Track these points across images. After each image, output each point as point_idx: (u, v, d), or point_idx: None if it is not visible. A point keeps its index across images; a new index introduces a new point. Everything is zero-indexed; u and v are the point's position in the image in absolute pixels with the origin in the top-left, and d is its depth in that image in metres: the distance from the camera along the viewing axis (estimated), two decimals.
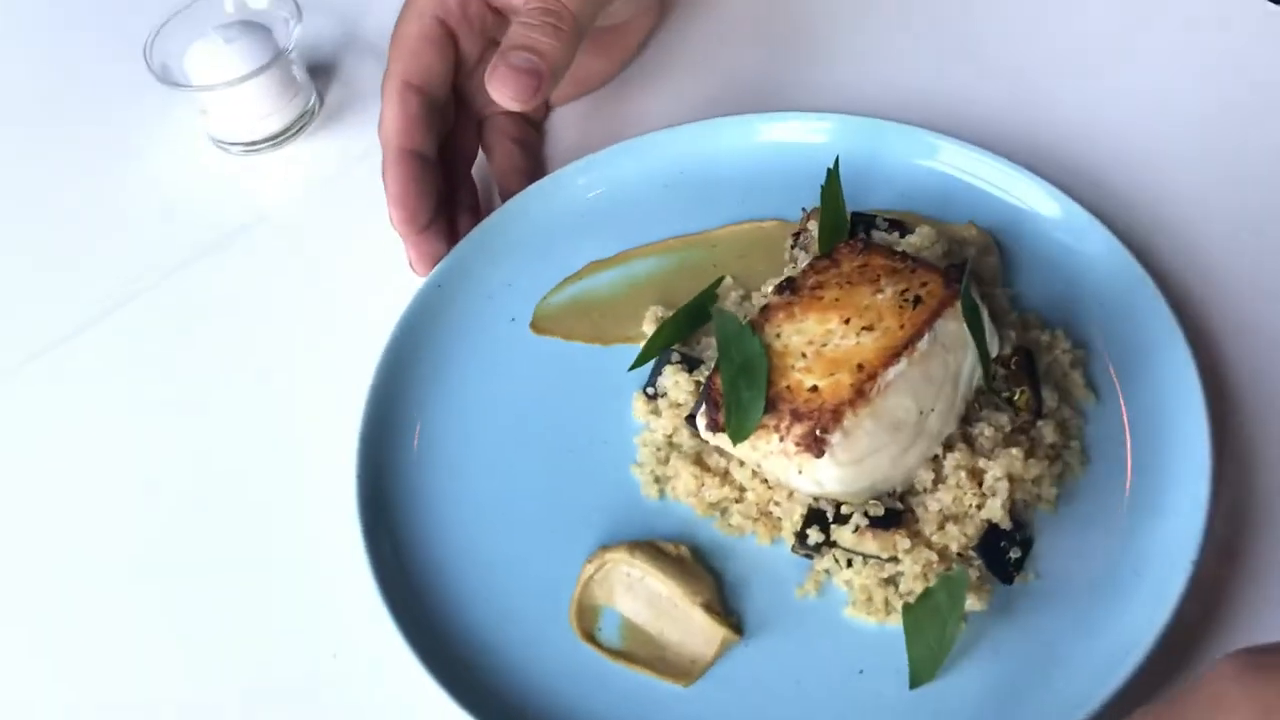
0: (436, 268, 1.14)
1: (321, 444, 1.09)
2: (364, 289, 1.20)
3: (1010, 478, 0.94)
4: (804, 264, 1.08)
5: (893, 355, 0.92)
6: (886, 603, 0.94)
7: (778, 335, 0.96)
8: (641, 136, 1.21)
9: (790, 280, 0.99)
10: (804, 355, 0.94)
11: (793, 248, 1.11)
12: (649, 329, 1.10)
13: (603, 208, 1.20)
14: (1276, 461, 0.99)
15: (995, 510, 0.94)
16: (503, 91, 1.05)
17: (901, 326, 0.93)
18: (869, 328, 0.94)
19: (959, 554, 0.94)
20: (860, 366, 0.92)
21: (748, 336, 0.96)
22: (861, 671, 0.93)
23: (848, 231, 1.06)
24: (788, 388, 0.93)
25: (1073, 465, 0.98)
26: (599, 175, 1.20)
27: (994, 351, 0.98)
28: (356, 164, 1.29)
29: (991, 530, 0.94)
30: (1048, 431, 0.98)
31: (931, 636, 0.91)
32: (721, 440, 0.96)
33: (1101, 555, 0.95)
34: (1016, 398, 0.99)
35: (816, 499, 0.96)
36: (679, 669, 0.95)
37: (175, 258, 1.25)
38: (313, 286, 1.22)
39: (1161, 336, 1.01)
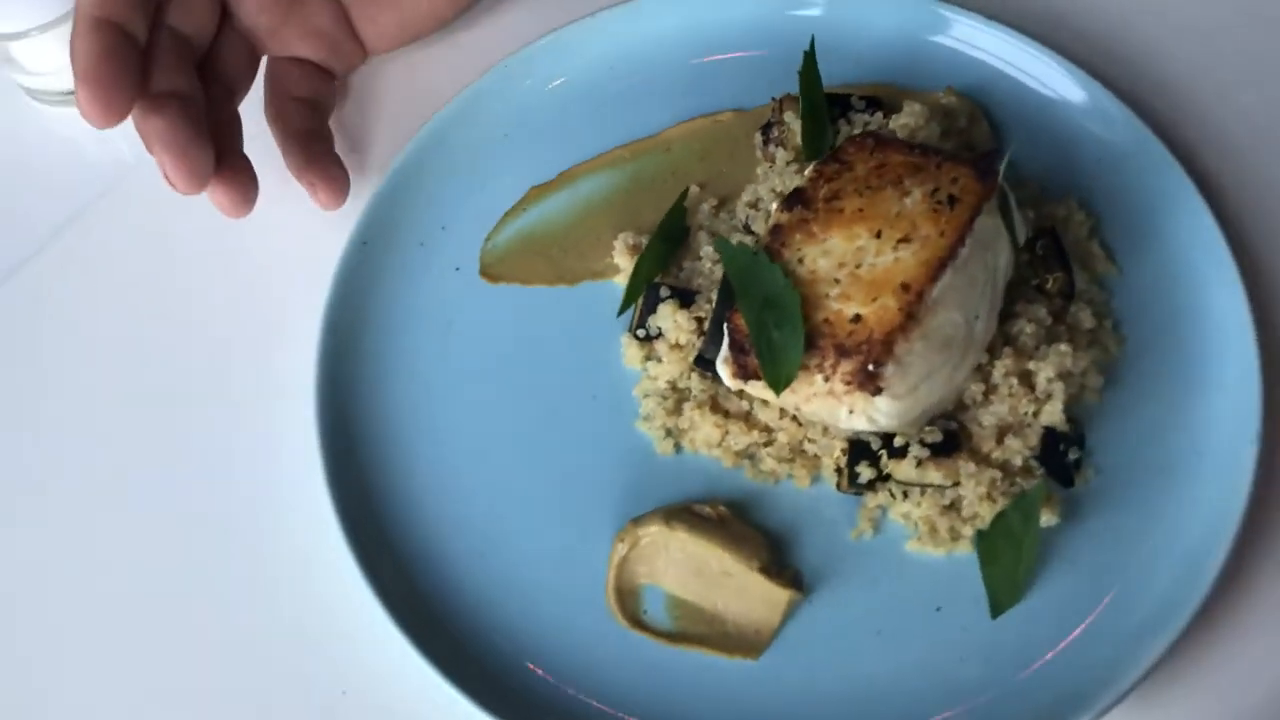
0: (358, 222, 0.98)
1: (290, 457, 0.93)
2: (273, 250, 1.02)
3: (1062, 376, 0.87)
4: (782, 160, 0.97)
5: (938, 267, 0.82)
6: (952, 530, 0.87)
7: (800, 260, 0.85)
8: (558, 31, 1.04)
9: (799, 192, 0.87)
10: (836, 281, 0.84)
11: (765, 143, 0.99)
12: (622, 261, 0.97)
13: (531, 123, 1.04)
14: None
15: (1055, 414, 0.87)
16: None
17: (941, 233, 0.83)
18: (905, 239, 0.84)
19: (1021, 466, 0.87)
20: (905, 286, 0.82)
21: (765, 267, 0.84)
22: (939, 609, 0.86)
23: (829, 123, 0.95)
24: (826, 321, 0.83)
25: (1109, 346, 0.92)
26: (518, 85, 1.04)
27: (1021, 238, 0.89)
28: None
29: (1049, 434, 0.87)
30: (1084, 317, 0.91)
31: (1008, 561, 0.85)
32: (755, 388, 0.85)
33: (1156, 438, 0.89)
34: (1049, 284, 0.91)
35: (858, 432, 0.87)
36: (744, 642, 0.86)
37: (43, 225, 1.05)
38: (213, 251, 1.03)
39: (1173, 192, 0.94)
